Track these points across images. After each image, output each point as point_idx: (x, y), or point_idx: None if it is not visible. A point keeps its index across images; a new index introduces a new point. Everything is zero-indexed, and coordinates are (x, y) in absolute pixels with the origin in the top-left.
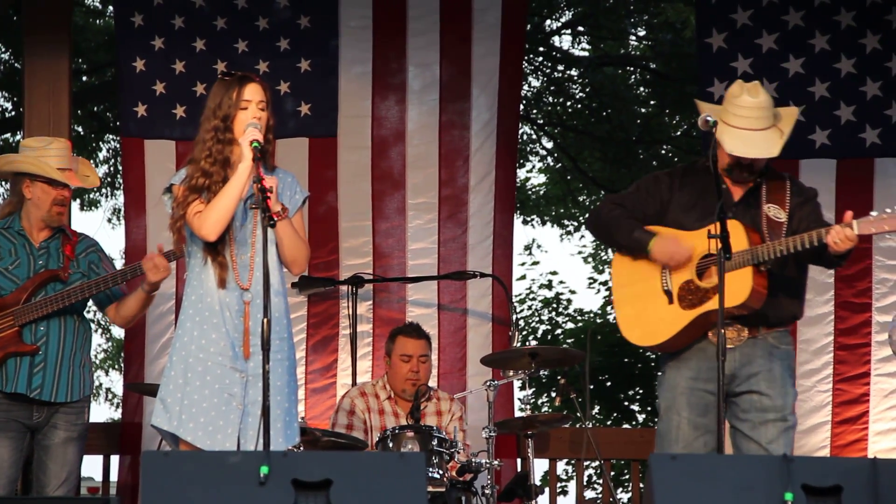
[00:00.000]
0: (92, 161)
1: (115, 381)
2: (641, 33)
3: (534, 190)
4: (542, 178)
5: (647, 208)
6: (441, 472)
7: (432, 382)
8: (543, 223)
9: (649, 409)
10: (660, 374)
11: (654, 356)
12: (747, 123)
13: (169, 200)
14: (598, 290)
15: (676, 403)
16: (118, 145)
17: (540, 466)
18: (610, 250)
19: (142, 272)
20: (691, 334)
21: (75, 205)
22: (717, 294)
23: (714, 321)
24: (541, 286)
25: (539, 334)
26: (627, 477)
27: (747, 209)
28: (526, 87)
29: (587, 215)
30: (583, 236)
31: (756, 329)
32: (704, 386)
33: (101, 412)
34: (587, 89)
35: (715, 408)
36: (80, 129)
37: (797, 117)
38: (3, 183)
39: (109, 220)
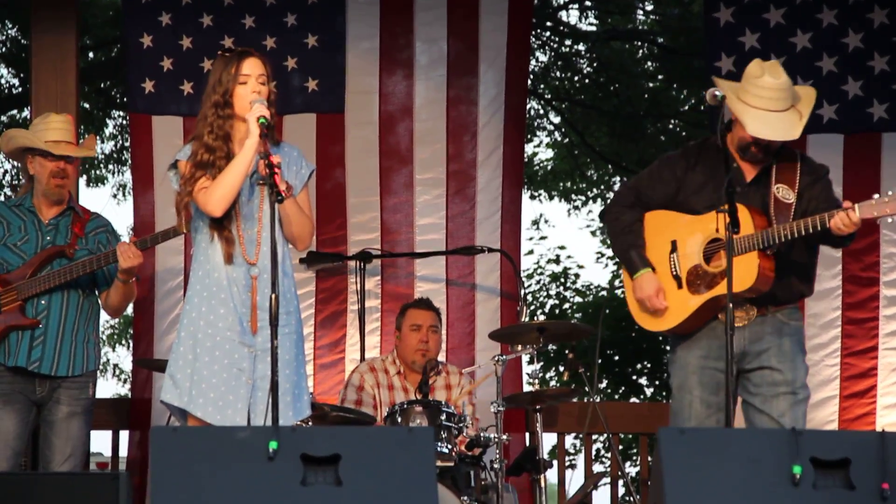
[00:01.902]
0: (99, 137)
1: (123, 357)
2: (649, 7)
3: (541, 165)
4: (549, 153)
5: (659, 193)
6: (450, 446)
7: (441, 357)
8: (551, 198)
9: (657, 383)
10: (670, 353)
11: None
12: (768, 104)
13: (174, 176)
14: (606, 265)
15: (688, 382)
16: (125, 121)
17: (548, 440)
18: None
19: (115, 259)
20: (702, 317)
21: (82, 181)
22: (724, 279)
23: (722, 304)
24: (549, 261)
25: (547, 309)
26: (636, 451)
27: (758, 190)
28: (533, 62)
29: (602, 209)
30: (590, 211)
31: (765, 307)
32: (715, 364)
33: (110, 388)
34: (595, 64)
35: (724, 386)
36: (87, 105)
37: (814, 99)
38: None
39: (115, 196)
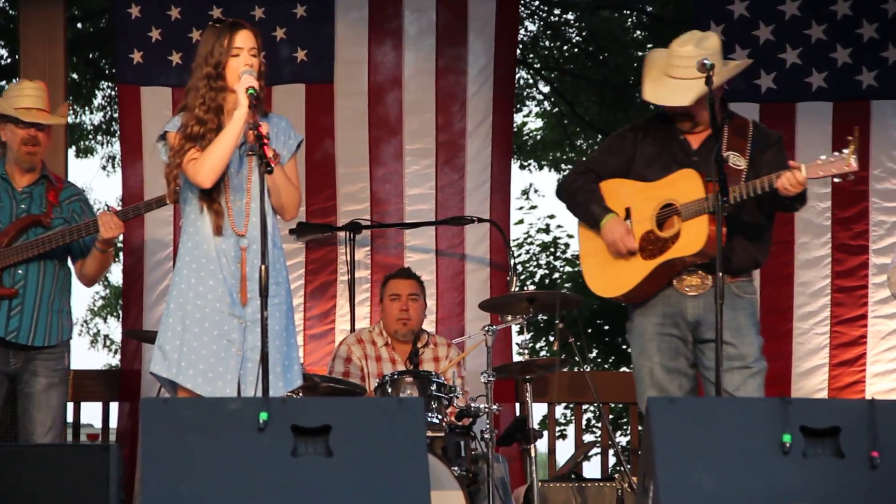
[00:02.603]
0: (87, 108)
1: (113, 328)
2: None
3: (531, 134)
4: (538, 123)
5: (612, 167)
6: (440, 416)
7: (431, 328)
8: (541, 168)
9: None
10: (627, 321)
11: None
12: (669, 70)
13: (163, 148)
14: None
15: (647, 349)
16: (114, 92)
17: (538, 410)
18: None
19: (96, 229)
20: (655, 283)
21: (71, 152)
22: (675, 243)
23: (677, 269)
24: (538, 230)
25: (537, 279)
26: (626, 420)
27: (707, 158)
28: (522, 32)
29: (557, 185)
30: None
31: (719, 276)
32: (671, 331)
33: (100, 359)
34: (584, 33)
35: (684, 352)
36: (75, 76)
37: (739, 69)
38: None
39: (104, 168)
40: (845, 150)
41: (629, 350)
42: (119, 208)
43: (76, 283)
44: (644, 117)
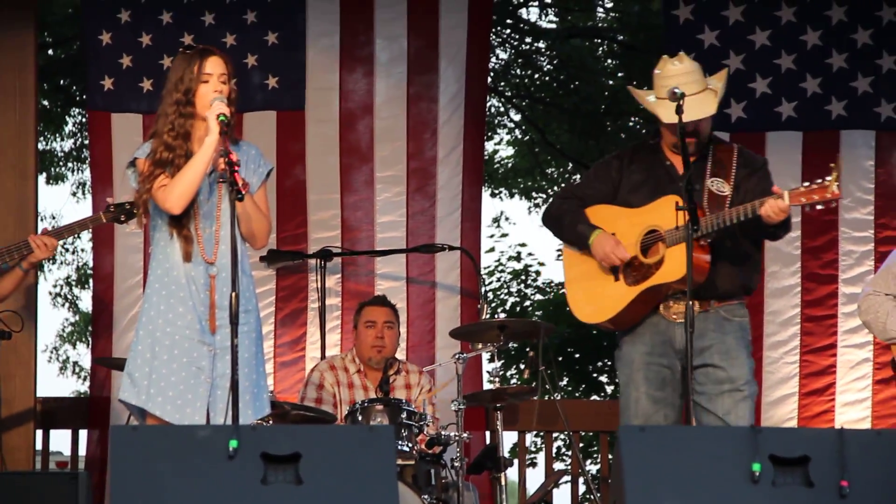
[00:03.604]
0: (58, 135)
1: (82, 354)
2: (609, 4)
3: (502, 162)
4: (510, 151)
5: (597, 193)
6: (410, 444)
7: (401, 356)
8: (512, 196)
9: (617, 381)
10: (616, 349)
11: None
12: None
13: (133, 174)
14: None
15: (634, 379)
16: (84, 119)
17: (509, 439)
18: None
19: (29, 251)
20: (639, 310)
21: (41, 178)
22: (659, 269)
23: (661, 296)
24: (509, 258)
25: (508, 306)
26: (596, 448)
27: (692, 183)
28: (493, 60)
29: (543, 212)
30: None
31: (707, 302)
32: (659, 360)
33: (69, 386)
34: (555, 61)
35: (672, 381)
36: (46, 102)
37: (726, 76)
38: None
39: (74, 194)
40: (828, 178)
41: (600, 378)
42: (50, 228)
43: None
44: (630, 145)
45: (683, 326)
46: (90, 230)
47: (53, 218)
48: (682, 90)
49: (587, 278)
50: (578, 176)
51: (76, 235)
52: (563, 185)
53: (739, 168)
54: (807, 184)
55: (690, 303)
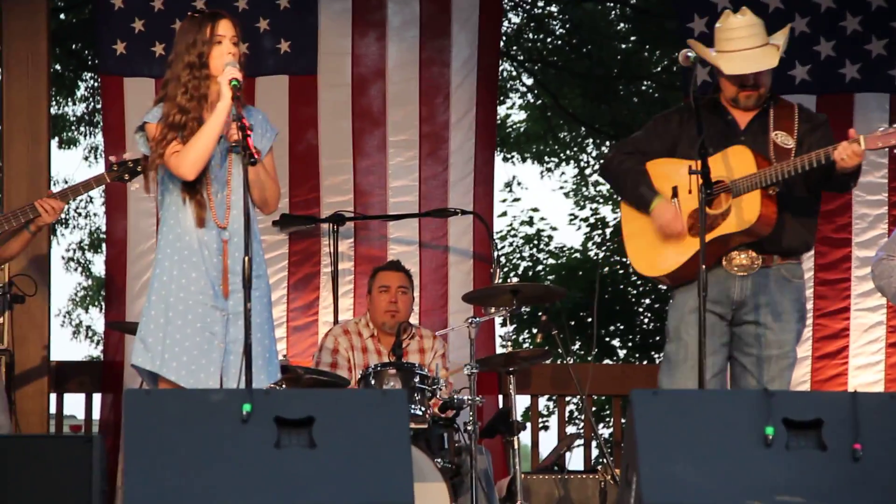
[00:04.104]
0: (70, 99)
1: (95, 318)
2: None
3: (514, 127)
4: (522, 115)
5: (658, 148)
6: (423, 408)
7: (414, 320)
8: (524, 160)
9: (630, 345)
10: (671, 298)
11: (634, 291)
12: (740, 44)
13: (142, 139)
14: (579, 227)
15: (684, 323)
16: (97, 83)
17: (521, 402)
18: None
19: (36, 214)
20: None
21: (53, 143)
22: (725, 220)
23: (725, 248)
24: (522, 223)
25: (520, 271)
26: (609, 412)
27: (755, 137)
28: (506, 24)
29: (600, 163)
30: (563, 173)
31: (770, 258)
32: (712, 307)
33: (82, 350)
34: (567, 25)
35: (719, 330)
36: (58, 67)
37: (789, 33)
38: None
39: (86, 159)
40: None
41: (612, 342)
42: (55, 190)
43: None
44: (688, 101)
45: (743, 279)
46: (103, 193)
47: (66, 183)
48: (742, 45)
49: (648, 231)
50: (591, 141)
51: (86, 198)
52: (576, 147)
53: (802, 123)
54: (883, 127)
55: (703, 267)
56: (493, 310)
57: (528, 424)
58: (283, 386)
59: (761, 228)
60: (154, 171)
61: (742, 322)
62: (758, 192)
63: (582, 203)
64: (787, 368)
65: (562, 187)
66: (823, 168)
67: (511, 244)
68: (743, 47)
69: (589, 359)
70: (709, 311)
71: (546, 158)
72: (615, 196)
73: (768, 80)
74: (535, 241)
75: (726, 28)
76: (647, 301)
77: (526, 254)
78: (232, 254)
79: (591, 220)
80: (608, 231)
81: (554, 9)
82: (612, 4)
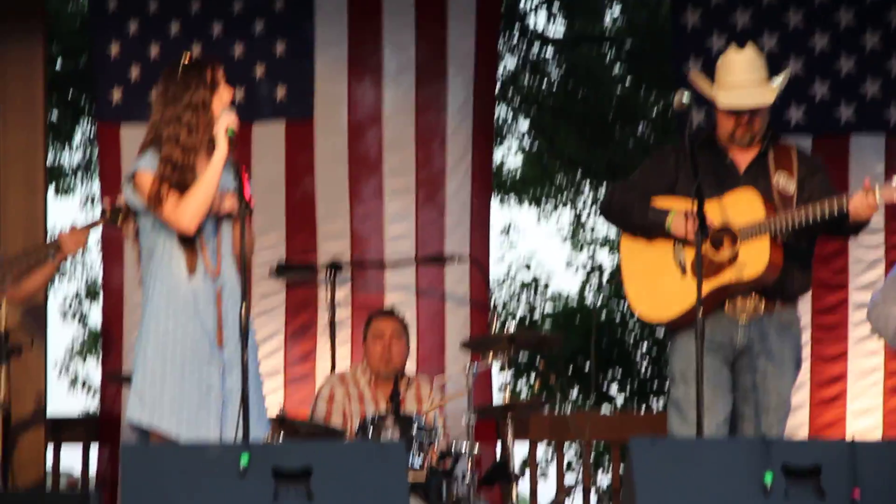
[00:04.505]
0: (66, 146)
1: (92, 370)
2: (616, 12)
3: (511, 171)
4: (518, 159)
5: (657, 185)
6: (421, 459)
7: (411, 367)
8: (521, 203)
9: (627, 391)
10: (670, 343)
11: (631, 339)
12: (738, 77)
13: (129, 187)
14: (577, 271)
15: (693, 368)
16: (93, 131)
17: (520, 450)
18: (592, 230)
19: (58, 247)
20: (706, 307)
21: (50, 190)
22: (733, 265)
23: (728, 294)
24: (519, 268)
25: (517, 318)
26: (608, 460)
27: (756, 180)
28: (501, 68)
29: (601, 201)
30: (560, 217)
31: (772, 303)
32: (717, 351)
33: (79, 402)
34: (563, 67)
35: (726, 374)
36: (55, 114)
37: (787, 76)
38: None
39: (84, 205)
40: None
41: (610, 389)
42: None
43: None
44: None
45: (746, 325)
46: (100, 243)
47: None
48: (739, 78)
49: (650, 273)
50: (587, 183)
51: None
52: (573, 190)
53: (801, 165)
54: None
55: (699, 316)
56: (490, 357)
57: (527, 472)
58: (281, 436)
59: (769, 276)
60: (134, 221)
61: (742, 369)
62: (766, 239)
63: (579, 247)
64: (785, 417)
65: (559, 230)
66: (835, 217)
67: (509, 288)
68: (741, 81)
69: (588, 402)
70: (714, 356)
71: (543, 201)
72: (613, 239)
73: (764, 118)
74: (533, 287)
75: (727, 61)
76: (645, 347)
77: (523, 300)
78: (225, 303)
79: (588, 265)
80: (605, 276)
81: (549, 53)
82: (607, 48)
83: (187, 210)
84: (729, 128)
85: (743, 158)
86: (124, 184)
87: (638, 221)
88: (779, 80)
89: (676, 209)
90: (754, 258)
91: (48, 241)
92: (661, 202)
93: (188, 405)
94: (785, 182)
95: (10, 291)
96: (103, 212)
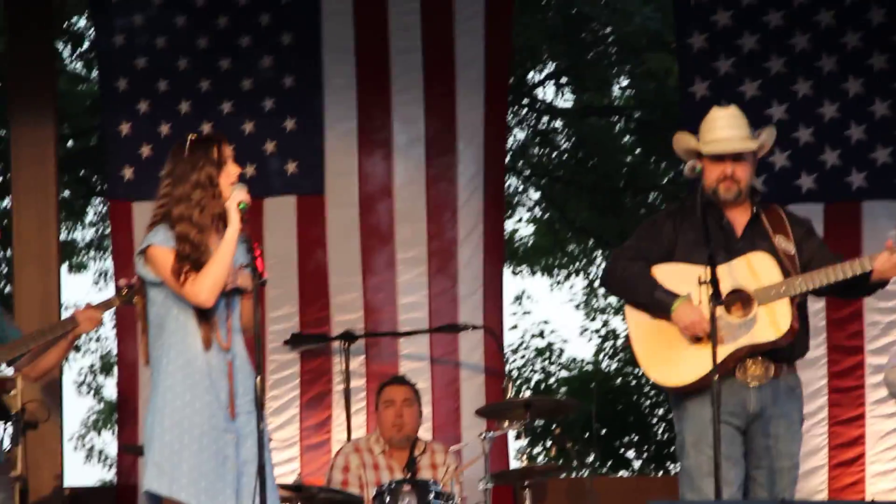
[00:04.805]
0: (79, 225)
1: (107, 442)
2: (625, 83)
3: (522, 241)
4: (530, 229)
5: (656, 252)
6: None
7: (427, 435)
8: (533, 273)
9: (644, 456)
10: (677, 409)
11: (648, 402)
12: (721, 131)
13: (141, 261)
14: (591, 339)
15: (706, 436)
16: (105, 208)
17: None
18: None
19: (75, 325)
20: (719, 372)
21: (63, 267)
22: (747, 330)
23: (740, 357)
24: (533, 336)
25: (532, 384)
26: None
27: (754, 243)
28: (511, 139)
29: (602, 273)
30: (572, 286)
31: (780, 367)
32: (730, 419)
33: (95, 474)
34: (572, 138)
35: (739, 441)
36: (67, 193)
37: (773, 132)
38: None
39: (96, 283)
40: None
41: (627, 454)
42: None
43: None
44: (673, 206)
45: (758, 390)
46: (114, 317)
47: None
48: (723, 131)
49: (661, 336)
50: (599, 253)
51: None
52: (584, 259)
53: (794, 227)
54: None
55: (716, 378)
56: (506, 424)
57: None
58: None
59: (787, 338)
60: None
61: (756, 434)
62: (787, 301)
63: (592, 315)
64: (796, 480)
65: (571, 299)
66: (858, 278)
67: (523, 356)
68: (723, 134)
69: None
70: (727, 423)
71: (555, 271)
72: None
73: (748, 173)
74: (547, 354)
75: (709, 119)
76: (661, 411)
77: (538, 366)
78: (236, 375)
79: (602, 331)
80: (619, 342)
81: (559, 124)
82: (616, 118)
83: (205, 285)
84: (714, 177)
85: (738, 220)
86: (136, 259)
87: (643, 300)
88: (763, 134)
89: (683, 297)
90: (775, 320)
91: (63, 317)
92: (661, 272)
93: (206, 475)
94: (785, 244)
95: (26, 369)
96: (118, 290)
